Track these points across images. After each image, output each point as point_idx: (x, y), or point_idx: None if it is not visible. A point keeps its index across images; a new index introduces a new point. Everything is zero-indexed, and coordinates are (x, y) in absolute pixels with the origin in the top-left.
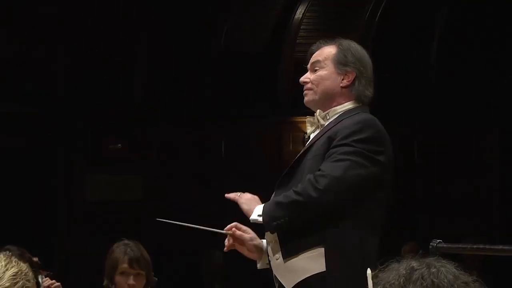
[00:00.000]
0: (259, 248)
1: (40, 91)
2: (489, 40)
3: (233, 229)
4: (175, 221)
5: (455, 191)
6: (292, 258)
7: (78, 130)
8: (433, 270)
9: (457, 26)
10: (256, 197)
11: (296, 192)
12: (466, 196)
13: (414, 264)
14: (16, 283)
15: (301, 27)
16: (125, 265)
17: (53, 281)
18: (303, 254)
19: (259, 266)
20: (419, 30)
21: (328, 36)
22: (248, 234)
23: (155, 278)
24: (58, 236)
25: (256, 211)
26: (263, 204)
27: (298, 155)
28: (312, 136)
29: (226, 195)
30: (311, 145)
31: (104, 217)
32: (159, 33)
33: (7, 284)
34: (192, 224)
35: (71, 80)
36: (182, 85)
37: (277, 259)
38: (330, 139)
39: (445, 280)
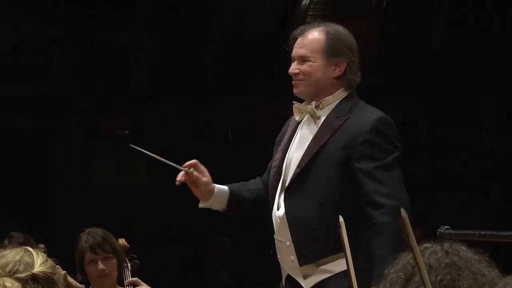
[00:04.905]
0: (210, 192)
1: (42, 74)
2: (492, 21)
3: (191, 169)
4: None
5: (456, 168)
6: (310, 264)
7: (81, 113)
8: (447, 245)
9: (463, 4)
10: None
11: (384, 232)
12: (467, 174)
13: (428, 244)
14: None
15: (308, 13)
16: (89, 253)
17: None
18: (323, 260)
19: (201, 205)
20: (426, 13)
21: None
22: (205, 177)
23: (136, 261)
24: (59, 222)
25: None
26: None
27: (304, 157)
28: (305, 127)
29: None
30: (321, 146)
31: (108, 202)
32: (161, 12)
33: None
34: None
35: (73, 62)
36: (186, 67)
37: (291, 261)
38: (349, 146)
39: (460, 253)
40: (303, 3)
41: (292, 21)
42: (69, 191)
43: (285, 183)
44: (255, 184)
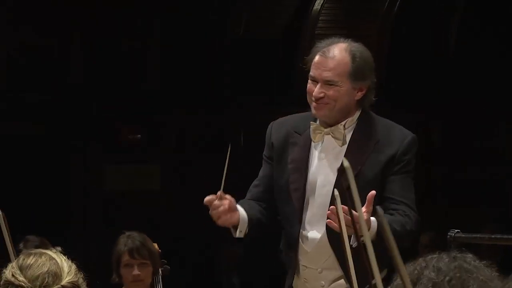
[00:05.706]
0: (237, 216)
1: (55, 80)
2: (507, 25)
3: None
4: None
5: (469, 178)
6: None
7: (94, 118)
8: (454, 252)
9: (476, 10)
10: None
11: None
12: (481, 183)
13: (433, 255)
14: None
15: (320, 18)
16: (127, 257)
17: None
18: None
19: (238, 234)
20: (438, 17)
21: (347, 29)
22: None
23: (166, 266)
24: (73, 226)
25: None
26: None
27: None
28: (326, 148)
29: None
30: (358, 172)
31: (121, 207)
32: (174, 20)
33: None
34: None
35: (87, 69)
36: (198, 73)
37: (322, 286)
38: (385, 168)
39: (468, 259)
40: (315, 8)
41: (304, 27)
42: (84, 195)
43: (310, 205)
44: (255, 205)
